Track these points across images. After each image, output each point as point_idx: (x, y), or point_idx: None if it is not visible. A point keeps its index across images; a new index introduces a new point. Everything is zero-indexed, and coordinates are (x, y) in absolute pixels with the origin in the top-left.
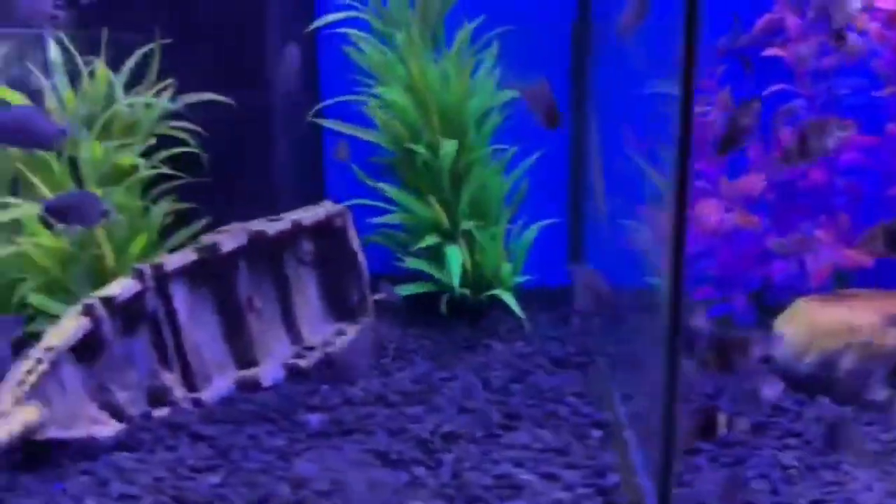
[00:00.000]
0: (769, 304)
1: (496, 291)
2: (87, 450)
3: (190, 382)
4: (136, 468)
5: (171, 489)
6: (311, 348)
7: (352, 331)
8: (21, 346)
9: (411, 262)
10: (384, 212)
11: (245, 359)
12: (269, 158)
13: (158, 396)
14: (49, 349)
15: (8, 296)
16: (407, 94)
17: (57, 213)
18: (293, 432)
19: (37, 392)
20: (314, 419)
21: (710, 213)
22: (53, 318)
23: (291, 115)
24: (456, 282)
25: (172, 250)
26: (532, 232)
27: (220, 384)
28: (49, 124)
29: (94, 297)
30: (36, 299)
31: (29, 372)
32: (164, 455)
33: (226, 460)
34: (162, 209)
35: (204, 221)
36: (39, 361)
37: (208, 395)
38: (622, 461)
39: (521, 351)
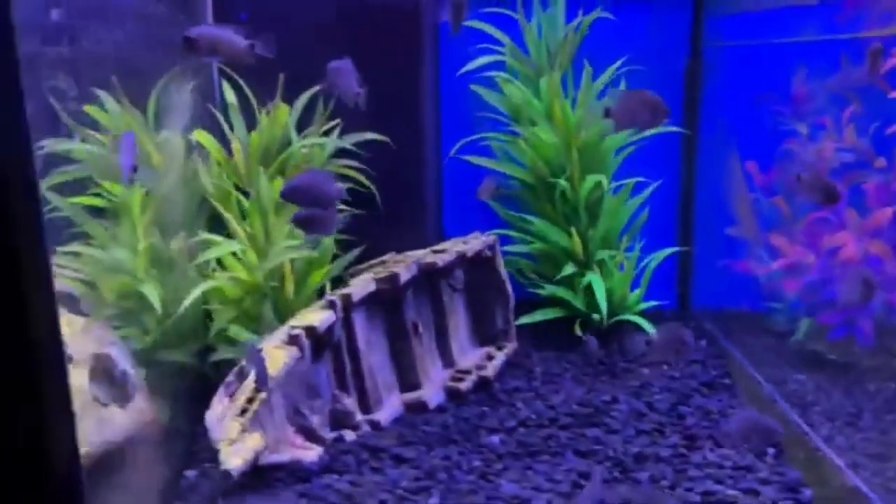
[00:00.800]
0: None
1: (628, 316)
2: (297, 473)
3: (365, 405)
4: (353, 491)
5: None
6: (465, 371)
7: (499, 355)
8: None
9: (549, 290)
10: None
11: (408, 382)
12: (413, 193)
13: (340, 420)
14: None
15: (205, 326)
16: (552, 132)
17: (303, 224)
18: (482, 453)
19: (253, 419)
20: (496, 440)
21: (845, 243)
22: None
23: (427, 153)
24: (604, 309)
25: (334, 279)
26: (656, 259)
27: (390, 406)
28: (334, 188)
29: (298, 327)
30: (233, 330)
31: (250, 401)
32: (374, 477)
33: (434, 481)
34: (330, 240)
35: (357, 251)
36: (258, 391)
37: (383, 417)
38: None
39: (669, 374)
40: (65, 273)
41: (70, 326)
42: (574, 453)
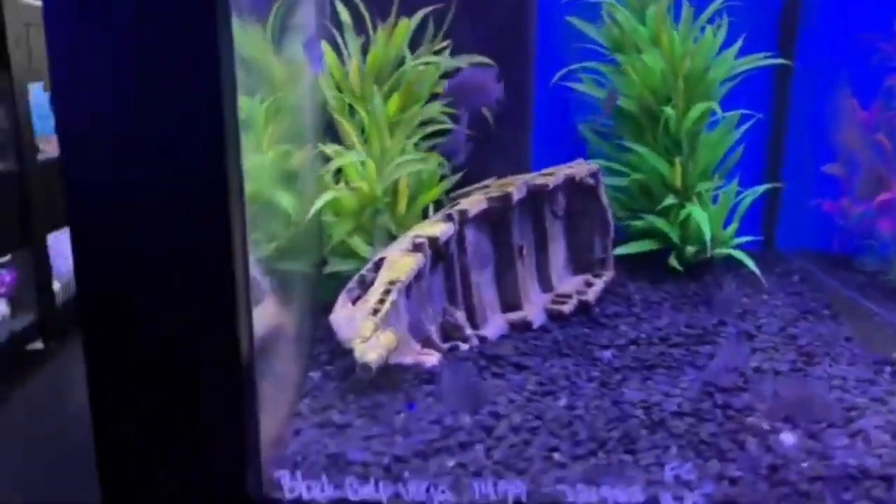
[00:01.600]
0: None
1: (726, 250)
2: (422, 376)
3: (471, 321)
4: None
5: (532, 409)
6: (566, 295)
7: (598, 282)
8: None
9: (646, 221)
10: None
11: (510, 302)
12: (516, 120)
13: (451, 332)
14: (393, 282)
15: (320, 238)
16: (661, 61)
17: (457, 93)
18: (597, 366)
19: (383, 321)
20: (608, 355)
21: None
22: (353, 257)
23: (529, 80)
24: (708, 240)
25: (436, 201)
26: (751, 195)
27: (495, 324)
28: (496, 86)
29: (422, 236)
30: (353, 242)
31: (381, 301)
32: (498, 382)
33: (558, 387)
34: (435, 160)
35: (460, 175)
36: (387, 292)
37: (490, 332)
38: None
39: (772, 303)
40: None
41: None
42: (691, 367)
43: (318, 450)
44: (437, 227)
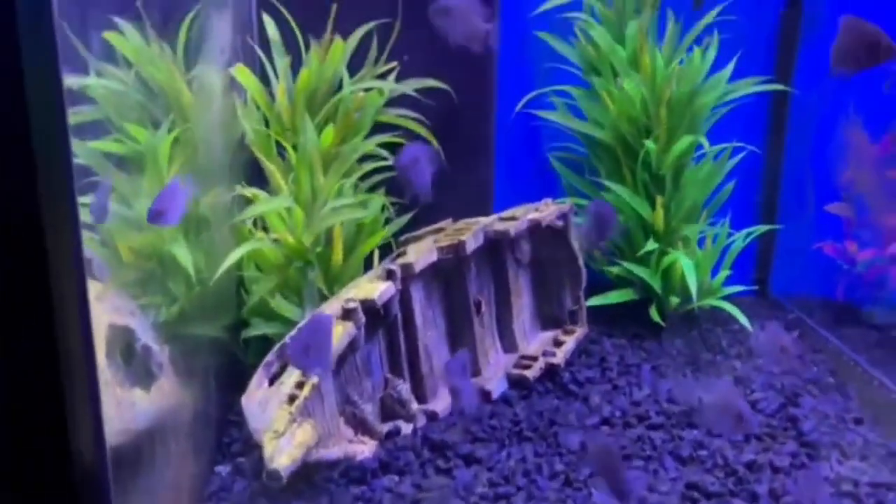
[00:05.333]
0: None
1: (714, 301)
2: (350, 473)
3: (419, 392)
4: (419, 496)
5: None
6: (531, 357)
7: (569, 340)
8: None
9: (625, 268)
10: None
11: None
12: (473, 153)
13: (394, 408)
14: None
15: (238, 296)
16: (640, 84)
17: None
18: (563, 455)
19: (302, 407)
20: (576, 441)
21: None
22: (278, 318)
23: (489, 107)
24: (694, 292)
25: (382, 247)
26: (742, 237)
27: (447, 395)
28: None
29: (354, 300)
30: (274, 302)
31: (299, 385)
32: (443, 480)
33: (514, 487)
34: (378, 202)
35: (410, 214)
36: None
37: (440, 406)
38: None
39: (768, 369)
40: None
41: None
42: (672, 458)
43: None
44: (375, 287)
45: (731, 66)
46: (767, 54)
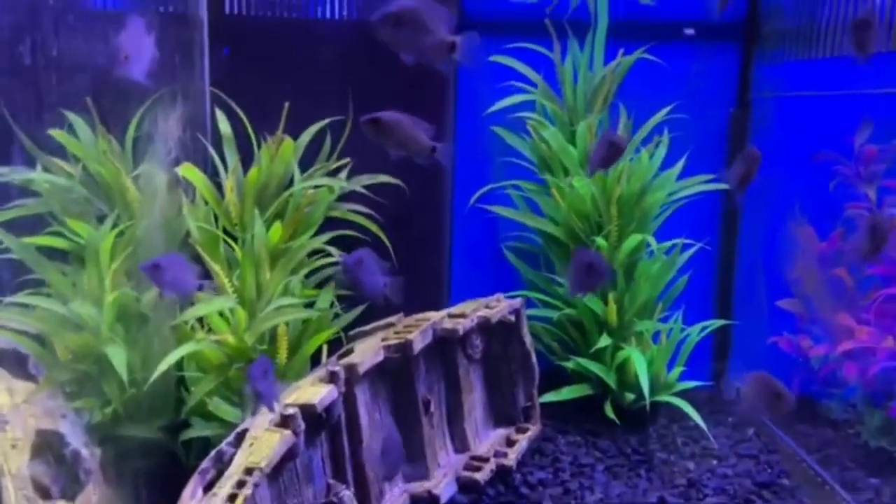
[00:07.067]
0: None
1: (668, 398)
2: None
3: (363, 498)
4: None
5: None
6: (482, 458)
7: (521, 439)
8: None
9: (577, 363)
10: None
11: (414, 468)
12: (425, 246)
13: None
14: (250, 469)
15: (177, 397)
16: (590, 183)
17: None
18: None
19: None
20: None
21: None
22: (217, 420)
23: (443, 201)
24: (646, 388)
25: (331, 343)
26: (697, 332)
27: (392, 500)
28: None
29: (293, 405)
30: (212, 404)
31: (231, 498)
32: None
33: None
34: (327, 298)
35: (360, 309)
36: (242, 484)
37: None
38: None
39: (722, 472)
40: (9, 326)
41: (10, 394)
42: None
43: None
44: (316, 391)
45: (680, 164)
46: (718, 152)
